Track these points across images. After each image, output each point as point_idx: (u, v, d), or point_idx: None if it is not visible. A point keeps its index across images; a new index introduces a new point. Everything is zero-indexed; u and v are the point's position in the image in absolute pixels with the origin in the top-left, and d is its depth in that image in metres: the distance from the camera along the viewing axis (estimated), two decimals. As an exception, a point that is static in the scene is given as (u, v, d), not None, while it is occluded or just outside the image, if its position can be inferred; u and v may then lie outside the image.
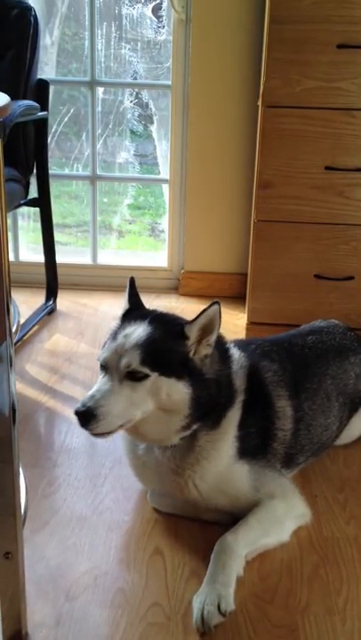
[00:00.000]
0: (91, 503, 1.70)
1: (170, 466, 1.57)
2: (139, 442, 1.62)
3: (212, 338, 1.51)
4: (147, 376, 1.44)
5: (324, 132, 2.44)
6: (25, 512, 1.37)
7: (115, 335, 1.52)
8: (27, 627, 1.30)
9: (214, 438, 1.55)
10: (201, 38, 2.88)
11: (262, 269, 2.60)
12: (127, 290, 1.63)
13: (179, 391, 1.46)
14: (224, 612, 1.32)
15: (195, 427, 1.53)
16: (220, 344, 1.62)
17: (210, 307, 1.49)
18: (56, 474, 1.82)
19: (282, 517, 1.56)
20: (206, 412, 1.53)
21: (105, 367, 1.48)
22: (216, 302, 1.49)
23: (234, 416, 1.58)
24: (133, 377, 1.45)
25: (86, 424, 1.42)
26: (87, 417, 1.41)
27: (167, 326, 1.52)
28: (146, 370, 1.44)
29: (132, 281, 1.63)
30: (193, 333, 1.49)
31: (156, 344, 1.47)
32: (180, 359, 1.48)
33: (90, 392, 1.45)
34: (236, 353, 1.66)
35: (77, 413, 1.42)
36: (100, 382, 1.47)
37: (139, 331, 1.49)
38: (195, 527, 1.61)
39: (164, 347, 1.48)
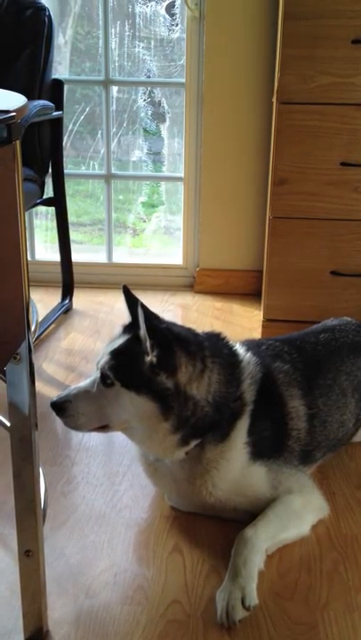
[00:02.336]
0: (109, 501, 1.71)
1: (181, 475, 1.57)
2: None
3: (148, 345, 1.47)
4: (113, 383, 1.50)
5: (339, 127, 2.43)
6: (44, 510, 1.38)
7: (111, 341, 1.59)
8: (47, 624, 1.31)
9: (223, 449, 1.54)
10: (214, 35, 2.88)
11: (278, 266, 2.60)
12: (125, 301, 1.62)
13: (140, 405, 1.48)
14: (248, 607, 1.33)
15: (195, 442, 1.52)
16: (230, 360, 1.60)
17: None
18: (74, 472, 1.83)
19: (300, 511, 1.56)
20: (207, 427, 1.52)
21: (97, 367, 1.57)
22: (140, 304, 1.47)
23: (243, 425, 1.56)
24: (105, 382, 1.51)
25: (59, 415, 1.55)
26: (57, 409, 1.54)
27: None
28: (111, 376, 1.50)
29: (125, 290, 1.61)
30: (142, 337, 1.48)
31: (122, 355, 1.51)
32: (142, 374, 1.47)
33: (72, 386, 1.58)
34: (246, 361, 1.64)
35: (51, 404, 1.55)
36: (86, 380, 1.57)
37: (120, 340, 1.55)
38: (213, 524, 1.61)
39: (128, 359, 1.50)
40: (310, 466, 1.76)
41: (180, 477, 1.58)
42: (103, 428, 1.56)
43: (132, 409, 1.49)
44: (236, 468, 1.55)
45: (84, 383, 1.57)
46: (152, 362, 1.47)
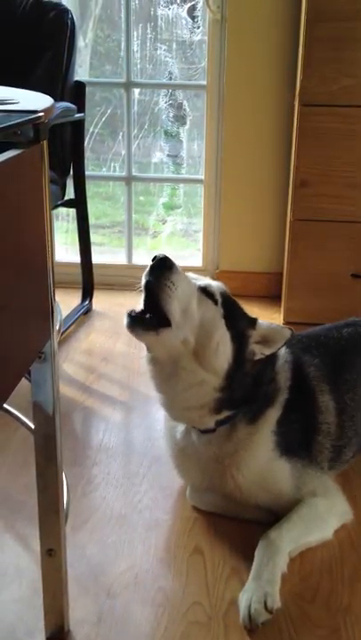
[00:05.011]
0: (130, 502, 1.71)
1: (208, 453, 1.58)
2: (175, 420, 1.62)
3: (266, 352, 1.54)
4: (216, 302, 1.49)
5: (362, 130, 2.42)
6: (67, 510, 1.38)
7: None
8: (69, 623, 1.31)
9: (252, 431, 1.56)
10: (236, 38, 2.88)
11: (298, 268, 2.59)
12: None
13: (225, 346, 1.48)
14: (271, 609, 1.32)
15: (227, 413, 1.53)
16: None
17: (285, 328, 1.55)
18: (95, 472, 1.83)
19: (324, 515, 1.56)
20: (238, 402, 1.54)
21: None
22: (291, 330, 1.55)
23: (273, 413, 1.58)
24: (206, 292, 1.49)
25: (161, 267, 1.43)
26: (164, 263, 1.43)
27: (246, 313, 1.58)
28: (218, 298, 1.50)
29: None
30: (259, 331, 1.54)
31: (235, 302, 1.55)
32: (241, 334, 1.51)
33: None
34: (281, 350, 1.65)
35: (157, 257, 1.44)
36: None
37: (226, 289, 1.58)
38: (235, 526, 1.61)
39: (240, 311, 1.55)
40: (341, 467, 1.75)
41: (207, 457, 1.58)
42: (161, 325, 1.44)
43: (213, 335, 1.47)
44: (262, 455, 1.56)
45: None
46: (255, 354, 1.53)
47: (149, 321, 1.45)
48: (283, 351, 1.66)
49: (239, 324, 1.52)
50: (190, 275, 1.55)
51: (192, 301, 1.47)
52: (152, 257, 1.46)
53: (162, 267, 1.43)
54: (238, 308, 1.56)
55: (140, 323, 1.46)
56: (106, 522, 1.63)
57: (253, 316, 1.60)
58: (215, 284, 1.55)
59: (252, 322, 1.55)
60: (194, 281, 1.52)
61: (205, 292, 1.50)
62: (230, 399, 1.52)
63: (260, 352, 1.53)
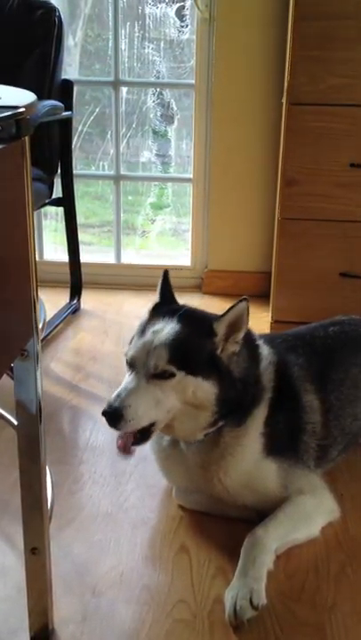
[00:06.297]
0: (116, 500, 1.70)
1: (195, 460, 1.57)
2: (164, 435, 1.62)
3: (240, 335, 1.51)
4: (173, 375, 1.45)
5: (350, 129, 2.42)
6: (51, 508, 1.37)
7: (143, 330, 1.51)
8: (53, 622, 1.31)
9: (239, 434, 1.55)
10: (225, 36, 2.88)
11: (287, 267, 2.59)
12: (160, 283, 1.63)
13: (205, 390, 1.47)
14: (256, 606, 1.32)
15: (220, 423, 1.53)
16: (250, 341, 1.61)
17: (238, 303, 1.48)
18: (81, 471, 1.82)
19: (311, 513, 1.56)
20: (232, 409, 1.53)
21: (132, 365, 1.48)
22: (244, 299, 1.49)
23: (260, 414, 1.57)
24: (161, 376, 1.45)
25: (114, 424, 1.42)
26: (114, 418, 1.42)
27: (196, 323, 1.51)
28: (172, 369, 1.44)
29: (165, 274, 1.63)
30: (221, 330, 1.49)
31: (183, 343, 1.47)
32: (208, 358, 1.48)
33: (117, 391, 1.45)
34: (264, 349, 1.65)
35: (105, 414, 1.43)
36: (126, 380, 1.47)
37: (167, 328, 1.48)
38: (221, 524, 1.61)
39: (192, 345, 1.48)
40: (326, 466, 1.75)
41: (194, 463, 1.57)
42: (146, 430, 1.47)
43: (191, 395, 1.46)
44: (250, 458, 1.55)
45: (126, 385, 1.45)
46: (231, 351, 1.50)
47: (137, 440, 1.49)
48: (267, 351, 1.65)
49: (203, 355, 1.47)
50: (143, 341, 1.48)
51: (157, 398, 1.44)
52: (102, 411, 1.43)
53: (115, 420, 1.42)
54: (194, 342, 1.48)
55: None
56: (92, 520, 1.62)
57: (209, 315, 1.55)
58: (157, 360, 1.44)
59: (211, 330, 1.48)
60: (143, 373, 1.44)
61: (160, 377, 1.44)
62: (225, 412, 1.52)
63: (234, 343, 1.50)
